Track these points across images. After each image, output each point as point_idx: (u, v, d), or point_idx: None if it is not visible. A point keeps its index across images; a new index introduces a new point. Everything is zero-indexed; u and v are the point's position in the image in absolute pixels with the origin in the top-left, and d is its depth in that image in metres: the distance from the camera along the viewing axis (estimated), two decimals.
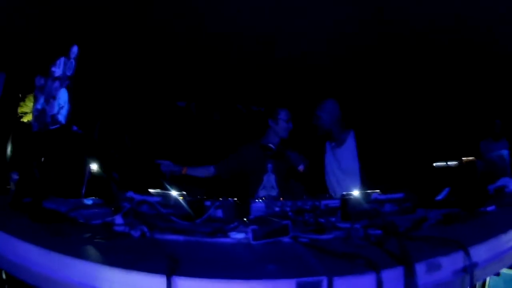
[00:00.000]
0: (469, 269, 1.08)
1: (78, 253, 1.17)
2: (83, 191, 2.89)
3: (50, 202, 1.95)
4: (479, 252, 1.18)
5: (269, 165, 3.29)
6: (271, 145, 3.23)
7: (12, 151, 3.39)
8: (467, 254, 1.10)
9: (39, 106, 2.46)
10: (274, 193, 3.21)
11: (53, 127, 2.18)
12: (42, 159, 2.25)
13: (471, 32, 3.60)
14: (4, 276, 1.81)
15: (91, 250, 1.24)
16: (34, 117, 2.54)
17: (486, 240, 1.25)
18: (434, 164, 3.47)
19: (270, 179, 3.29)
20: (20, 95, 3.58)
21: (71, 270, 1.10)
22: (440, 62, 4.16)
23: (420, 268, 1.00)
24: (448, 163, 3.41)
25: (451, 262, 1.09)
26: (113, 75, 4.17)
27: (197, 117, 5.18)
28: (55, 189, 2.27)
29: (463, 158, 3.77)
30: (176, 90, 5.24)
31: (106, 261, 1.07)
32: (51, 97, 2.28)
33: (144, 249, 1.29)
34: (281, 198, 2.51)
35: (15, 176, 3.34)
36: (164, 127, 5.29)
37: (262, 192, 3.23)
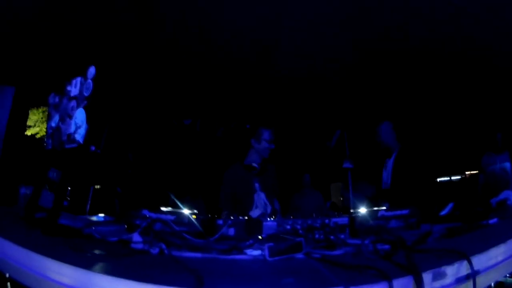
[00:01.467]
0: (472, 276, 1.20)
1: (104, 269, 1.23)
2: (88, 207, 2.95)
3: (63, 218, 2.02)
4: (481, 261, 1.29)
5: (256, 184, 3.31)
6: (254, 164, 3.32)
7: (20, 165, 3.46)
8: (470, 263, 1.21)
9: (53, 124, 2.51)
10: (268, 209, 3.23)
11: (69, 146, 2.24)
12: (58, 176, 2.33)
13: (473, 48, 3.73)
14: (9, 286, 1.88)
15: (116, 266, 1.30)
16: (48, 134, 2.58)
17: (487, 250, 1.36)
18: (438, 179, 3.59)
19: (260, 197, 3.29)
20: (28, 110, 3.67)
21: (98, 285, 1.15)
22: (442, 78, 4.28)
23: (427, 277, 1.11)
24: (452, 177, 3.53)
25: (455, 271, 1.20)
26: (119, 94, 4.28)
27: (201, 135, 5.28)
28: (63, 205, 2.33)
29: (466, 172, 3.89)
30: (183, 108, 5.36)
31: (133, 277, 1.11)
32: (67, 116, 2.33)
33: (166, 265, 1.35)
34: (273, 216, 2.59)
35: (23, 190, 3.40)
36: (168, 144, 5.39)
37: (256, 212, 3.21)
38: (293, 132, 5.44)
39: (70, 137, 2.22)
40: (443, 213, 2.28)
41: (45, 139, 2.65)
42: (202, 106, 4.91)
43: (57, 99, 2.56)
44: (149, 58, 4.16)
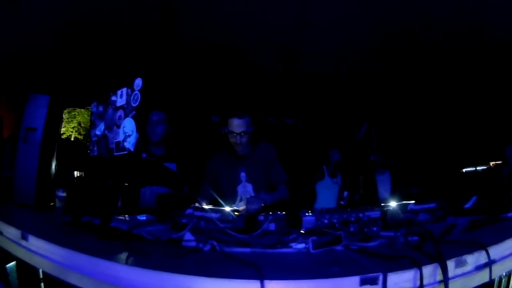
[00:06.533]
0: (489, 264, 1.48)
1: (173, 269, 1.30)
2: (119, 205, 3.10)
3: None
4: (497, 251, 1.57)
5: (242, 174, 3.07)
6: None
7: (56, 169, 3.68)
8: (487, 252, 1.50)
9: (98, 132, 2.71)
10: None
11: (119, 153, 2.45)
12: (106, 181, 2.53)
13: (496, 40, 3.85)
14: (41, 276, 1.93)
15: (180, 265, 1.38)
16: (93, 141, 2.80)
17: (504, 241, 1.64)
18: (464, 170, 3.77)
19: (246, 189, 3.06)
20: (63, 115, 3.88)
21: (166, 284, 1.25)
22: (465, 71, 4.40)
23: (450, 265, 1.39)
24: (477, 168, 3.70)
25: (474, 260, 1.48)
26: (151, 94, 4.53)
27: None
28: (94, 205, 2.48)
29: (491, 163, 4.04)
30: (210, 105, 5.57)
31: (196, 273, 1.23)
32: (114, 125, 2.54)
33: (222, 260, 1.46)
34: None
35: (61, 194, 3.60)
36: (197, 141, 5.59)
37: (241, 205, 2.86)
38: (322, 126, 5.62)
39: (119, 145, 2.42)
40: (467, 206, 2.52)
41: (89, 146, 2.86)
42: (230, 103, 5.12)
43: (101, 109, 2.77)
44: (176, 57, 4.38)
